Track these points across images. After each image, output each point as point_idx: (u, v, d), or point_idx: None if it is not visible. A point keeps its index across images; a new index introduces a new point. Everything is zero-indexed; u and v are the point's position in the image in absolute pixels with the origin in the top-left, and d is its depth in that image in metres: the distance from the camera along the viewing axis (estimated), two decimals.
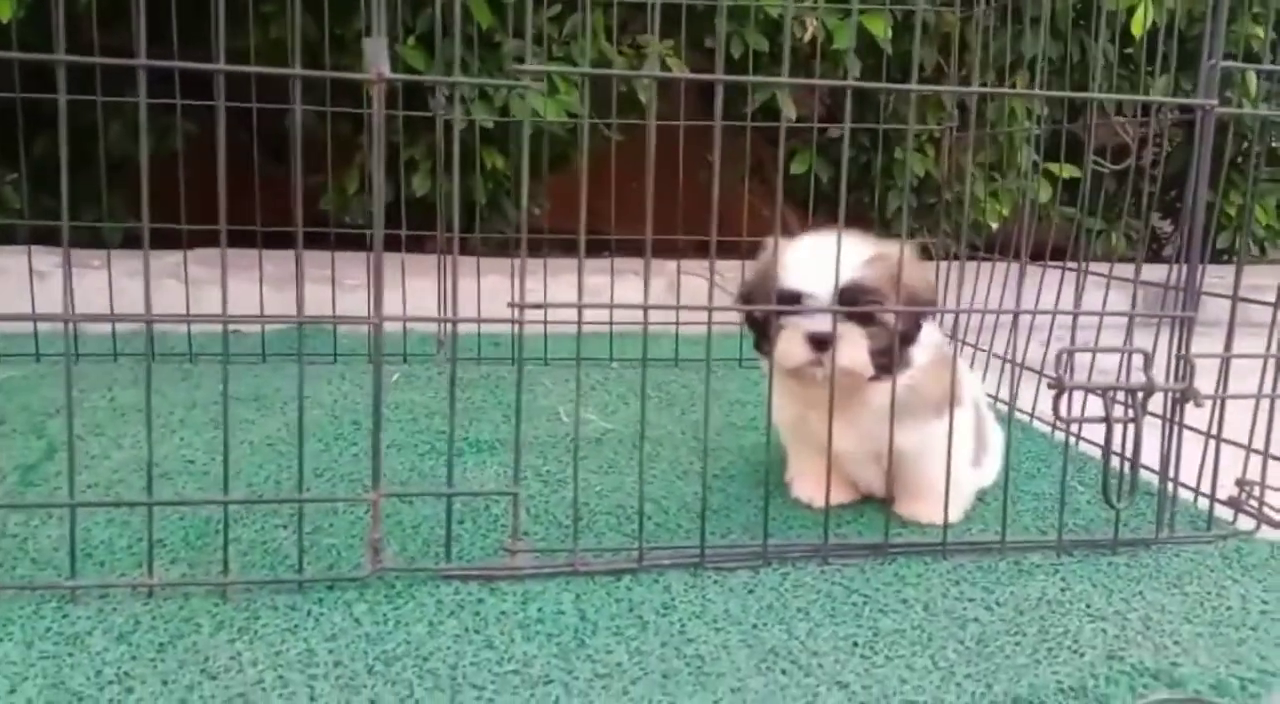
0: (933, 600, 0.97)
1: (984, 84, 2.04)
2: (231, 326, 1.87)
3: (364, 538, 1.07)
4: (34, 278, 1.86)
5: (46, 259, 2.02)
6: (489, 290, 1.96)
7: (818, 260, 1.03)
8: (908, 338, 1.07)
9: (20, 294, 1.82)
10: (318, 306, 1.99)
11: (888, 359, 1.06)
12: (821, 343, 1.04)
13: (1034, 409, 1.62)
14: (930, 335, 1.14)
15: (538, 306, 1.01)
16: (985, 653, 0.87)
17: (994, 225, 2.91)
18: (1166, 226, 3.58)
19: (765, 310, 1.11)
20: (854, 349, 1.05)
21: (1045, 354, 1.61)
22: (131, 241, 2.14)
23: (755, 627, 0.91)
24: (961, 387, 1.13)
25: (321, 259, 2.00)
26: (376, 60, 0.94)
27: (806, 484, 1.21)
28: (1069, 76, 2.77)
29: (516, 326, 0.98)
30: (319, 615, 0.90)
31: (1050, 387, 1.05)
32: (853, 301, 1.03)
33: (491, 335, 2.01)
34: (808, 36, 2.49)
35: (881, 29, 2.51)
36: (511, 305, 0.99)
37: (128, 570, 0.98)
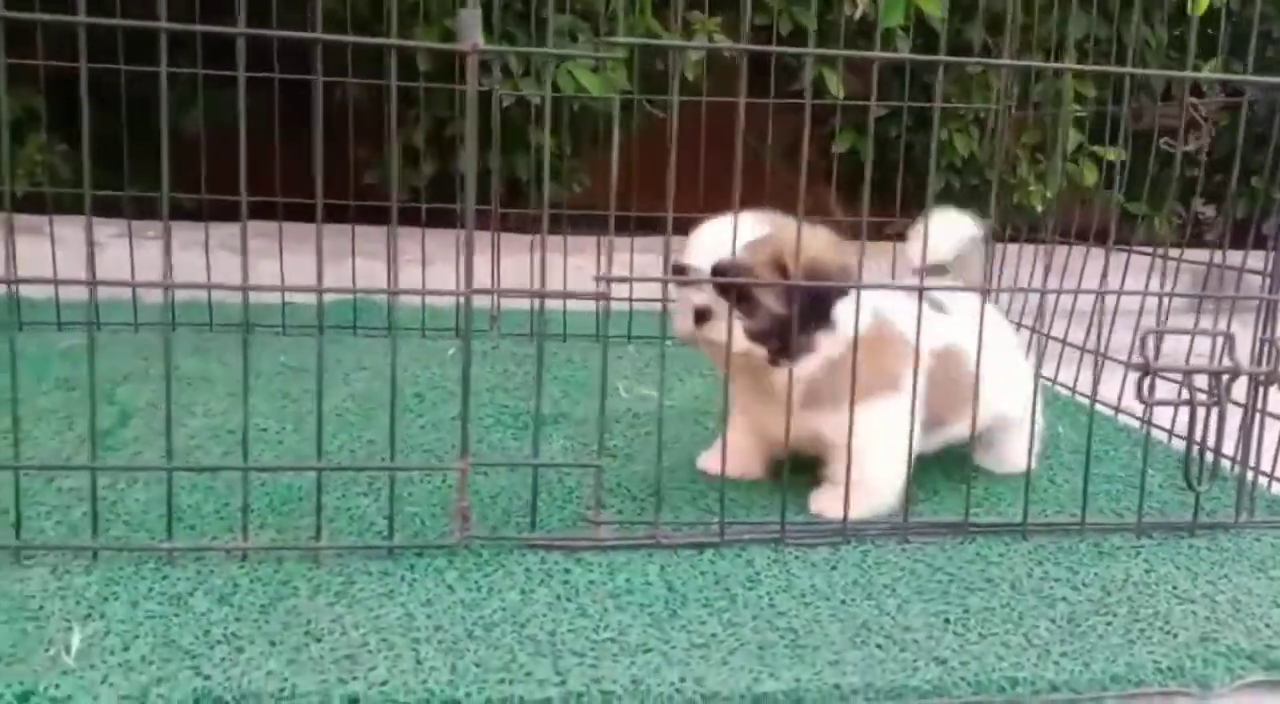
0: (1018, 579, 0.97)
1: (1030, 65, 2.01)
2: (288, 297, 1.88)
3: (444, 507, 1.08)
4: (95, 248, 1.87)
5: (104, 229, 2.04)
6: (536, 266, 1.97)
7: (710, 237, 1.05)
8: (801, 320, 1.02)
9: (78, 263, 1.84)
10: (370, 280, 2.00)
11: (779, 342, 1.04)
12: (700, 316, 1.05)
13: (1094, 392, 1.61)
14: (852, 319, 1.04)
15: (624, 280, 1.02)
16: (1078, 632, 0.87)
17: (1039, 208, 2.89)
18: (1209, 211, 3.53)
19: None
20: (723, 325, 1.03)
21: (1107, 338, 1.61)
22: (183, 213, 2.15)
23: (844, 602, 0.91)
24: (900, 372, 1.06)
25: (371, 233, 2.01)
26: (471, 32, 0.94)
27: (713, 456, 1.20)
28: (1130, 58, 2.72)
29: (601, 301, 0.98)
30: (412, 581, 0.92)
31: (1136, 369, 1.04)
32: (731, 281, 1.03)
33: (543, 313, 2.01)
34: (857, 14, 2.47)
35: (936, 7, 2.48)
36: (598, 279, 0.99)
37: (218, 534, 1.00)
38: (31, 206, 2.14)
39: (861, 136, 2.64)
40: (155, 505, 1.05)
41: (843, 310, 1.06)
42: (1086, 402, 1.59)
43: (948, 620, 0.88)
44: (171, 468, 0.94)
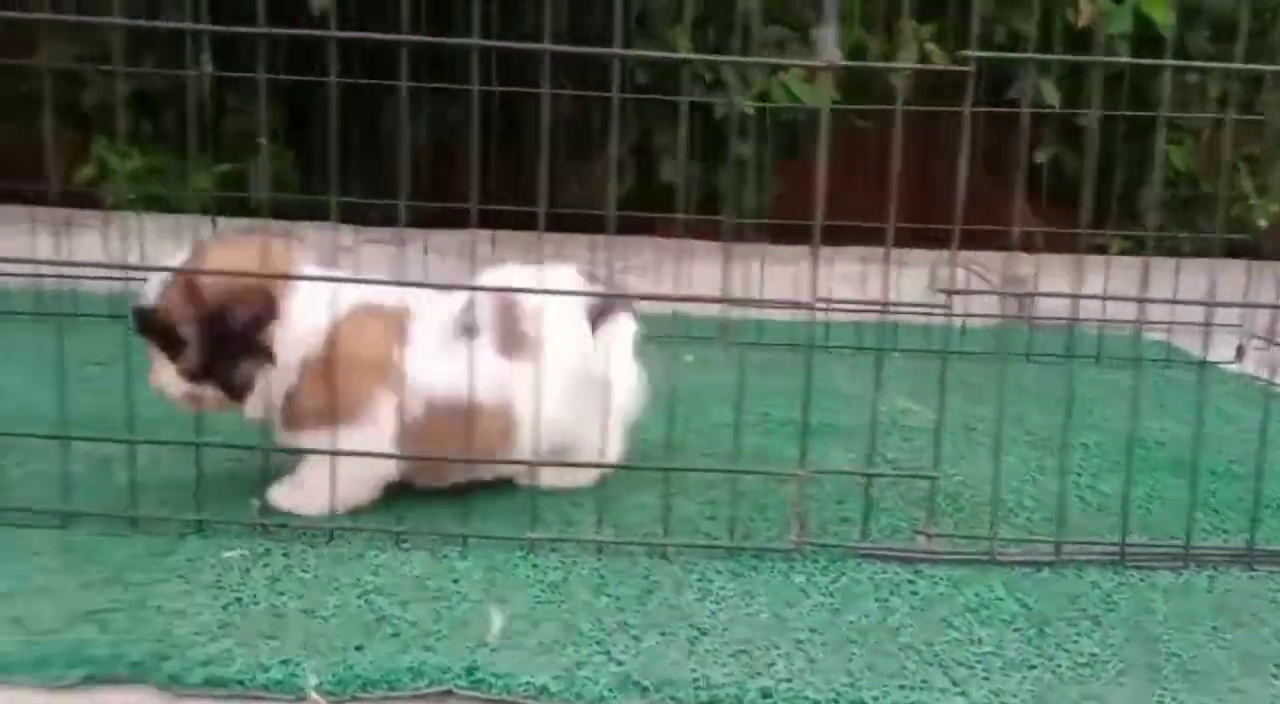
0: None
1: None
2: None
3: (759, 509, 1.11)
4: (341, 252, 2.00)
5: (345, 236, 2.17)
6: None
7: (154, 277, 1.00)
8: (222, 356, 0.99)
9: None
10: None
11: (217, 381, 1.00)
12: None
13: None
14: (296, 344, 1.00)
15: (968, 293, 1.02)
16: None
17: (1261, 223, 2.73)
18: None
19: None
20: (162, 372, 1.01)
21: None
22: (390, 220, 2.26)
23: (1216, 629, 0.89)
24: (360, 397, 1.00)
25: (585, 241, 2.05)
26: (827, 48, 0.96)
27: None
28: None
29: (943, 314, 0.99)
30: (766, 583, 0.94)
31: None
32: (148, 324, 1.00)
33: (756, 320, 2.03)
34: (1083, 21, 2.39)
35: (1163, 14, 2.38)
36: (941, 291, 1.00)
37: (562, 527, 1.05)
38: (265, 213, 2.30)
39: (1062, 146, 2.55)
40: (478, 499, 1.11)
41: (286, 335, 0.99)
42: None
43: None
44: (539, 463, 0.99)
